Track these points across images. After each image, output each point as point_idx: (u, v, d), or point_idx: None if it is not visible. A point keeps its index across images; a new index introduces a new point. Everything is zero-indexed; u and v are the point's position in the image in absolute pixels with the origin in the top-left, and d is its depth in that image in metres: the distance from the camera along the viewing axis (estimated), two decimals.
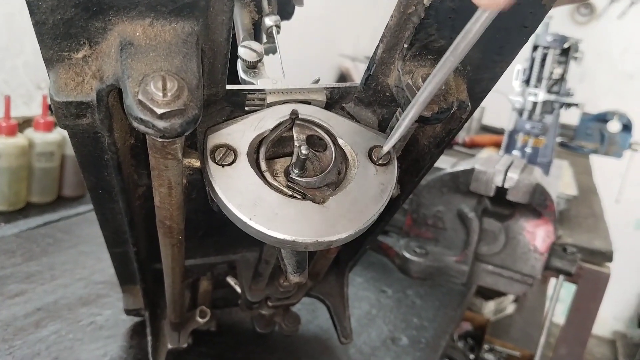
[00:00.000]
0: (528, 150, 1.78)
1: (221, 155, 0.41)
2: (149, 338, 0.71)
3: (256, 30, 0.64)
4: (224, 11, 0.34)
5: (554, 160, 1.88)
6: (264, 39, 0.66)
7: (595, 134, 2.05)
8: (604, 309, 1.49)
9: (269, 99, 0.45)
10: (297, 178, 0.42)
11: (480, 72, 0.43)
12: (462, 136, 2.39)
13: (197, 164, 0.44)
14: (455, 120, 0.46)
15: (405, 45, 0.40)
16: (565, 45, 1.73)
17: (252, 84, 0.52)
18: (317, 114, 0.45)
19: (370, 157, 0.44)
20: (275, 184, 0.41)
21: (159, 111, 0.31)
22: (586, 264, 1.43)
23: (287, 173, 0.43)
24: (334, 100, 0.47)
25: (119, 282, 0.73)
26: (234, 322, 0.85)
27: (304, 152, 0.41)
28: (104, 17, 0.33)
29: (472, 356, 1.78)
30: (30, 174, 1.17)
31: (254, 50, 0.53)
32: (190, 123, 0.32)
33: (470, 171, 0.92)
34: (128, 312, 0.76)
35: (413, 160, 0.54)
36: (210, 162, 0.40)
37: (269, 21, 0.64)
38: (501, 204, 0.95)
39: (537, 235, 0.94)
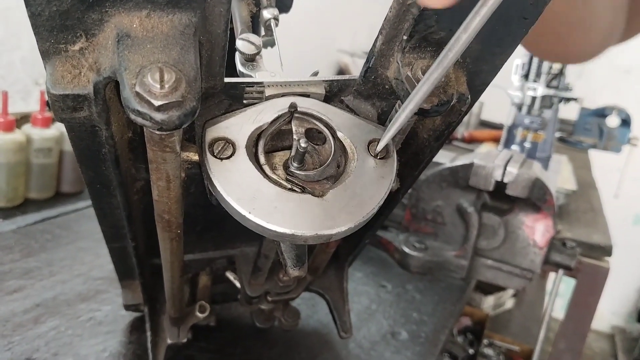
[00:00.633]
0: (527, 145, 1.78)
1: (219, 148, 0.40)
2: (149, 333, 0.71)
3: (254, 23, 0.63)
4: (222, 3, 0.34)
5: (553, 155, 1.87)
6: (262, 32, 0.66)
7: (594, 129, 2.05)
8: (602, 303, 1.49)
9: (268, 91, 0.44)
10: (296, 171, 0.42)
11: (480, 64, 0.43)
12: (461, 131, 2.39)
13: (196, 157, 0.43)
14: (455, 113, 0.45)
15: (405, 37, 0.40)
16: None
17: (251, 77, 0.52)
18: (316, 106, 0.45)
19: (370, 150, 0.44)
20: (274, 177, 0.41)
21: (157, 103, 0.31)
22: (585, 258, 1.43)
23: (286, 166, 0.42)
24: (333, 93, 0.47)
25: (117, 278, 0.73)
26: (234, 317, 0.85)
27: (303, 145, 0.40)
28: (100, 8, 0.32)
29: (471, 351, 1.78)
30: (28, 170, 1.17)
31: (252, 43, 0.53)
32: (188, 115, 0.32)
33: (470, 166, 0.92)
34: (127, 307, 0.76)
35: (412, 153, 0.53)
36: (208, 155, 0.40)
37: (267, 14, 0.64)
38: (500, 199, 0.95)
39: (536, 229, 0.94)
